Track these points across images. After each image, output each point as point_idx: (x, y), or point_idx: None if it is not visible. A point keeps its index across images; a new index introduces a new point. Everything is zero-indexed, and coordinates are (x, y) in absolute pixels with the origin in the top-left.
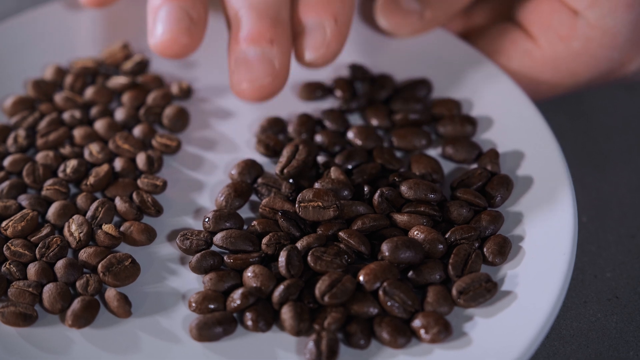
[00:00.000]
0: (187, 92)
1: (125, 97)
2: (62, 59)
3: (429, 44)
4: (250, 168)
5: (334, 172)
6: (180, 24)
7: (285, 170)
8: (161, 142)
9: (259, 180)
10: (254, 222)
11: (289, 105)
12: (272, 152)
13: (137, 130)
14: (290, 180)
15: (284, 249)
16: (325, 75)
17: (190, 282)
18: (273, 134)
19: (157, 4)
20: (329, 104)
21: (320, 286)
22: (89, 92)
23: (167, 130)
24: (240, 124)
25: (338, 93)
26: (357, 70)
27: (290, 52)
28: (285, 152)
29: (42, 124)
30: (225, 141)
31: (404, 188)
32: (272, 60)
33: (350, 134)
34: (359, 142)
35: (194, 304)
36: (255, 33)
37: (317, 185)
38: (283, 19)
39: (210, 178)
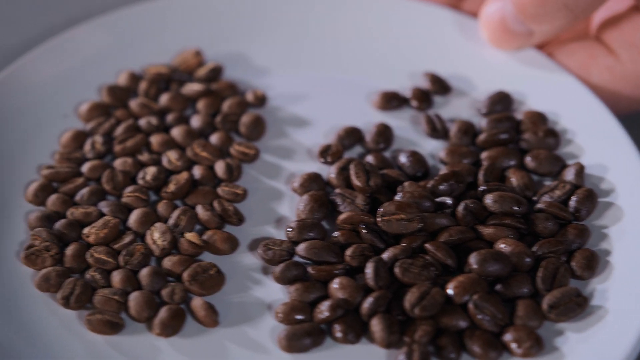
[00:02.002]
0: (262, 100)
1: (201, 104)
2: (135, 65)
3: (506, 56)
4: (311, 182)
5: (409, 185)
6: None
7: (371, 183)
8: (239, 150)
9: (336, 190)
10: (337, 233)
11: (365, 115)
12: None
13: (215, 138)
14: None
15: (371, 260)
16: (401, 84)
17: (275, 293)
18: (349, 144)
19: None
20: (405, 114)
21: (409, 298)
22: (164, 98)
23: (243, 138)
24: (316, 132)
25: (414, 103)
26: (435, 81)
27: None
28: (355, 167)
29: (119, 130)
30: (302, 150)
31: (488, 201)
32: None
33: (442, 154)
34: (452, 160)
35: (280, 315)
36: None
37: (397, 198)
38: None
39: (289, 187)
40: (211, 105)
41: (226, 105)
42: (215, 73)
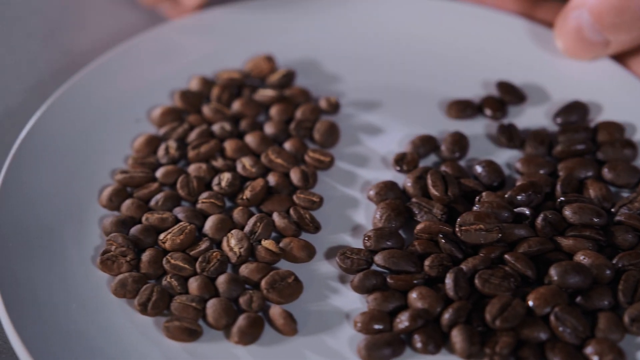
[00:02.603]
0: (335, 107)
1: (274, 111)
2: (206, 70)
3: (581, 65)
4: (388, 190)
5: (487, 196)
6: None
7: (449, 192)
8: (314, 157)
9: (413, 199)
10: (414, 242)
11: (438, 123)
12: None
13: (289, 145)
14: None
15: (450, 270)
16: (474, 92)
17: (353, 302)
18: (424, 152)
19: None
20: (479, 123)
21: (490, 309)
22: (237, 104)
23: (317, 145)
24: (390, 140)
25: (488, 112)
26: (508, 90)
27: None
28: (432, 176)
29: (193, 136)
30: (376, 157)
31: (568, 212)
32: None
33: (518, 165)
34: (529, 170)
35: (359, 324)
36: None
37: (475, 208)
38: None
39: (364, 195)
40: (284, 112)
41: (300, 112)
42: (288, 79)
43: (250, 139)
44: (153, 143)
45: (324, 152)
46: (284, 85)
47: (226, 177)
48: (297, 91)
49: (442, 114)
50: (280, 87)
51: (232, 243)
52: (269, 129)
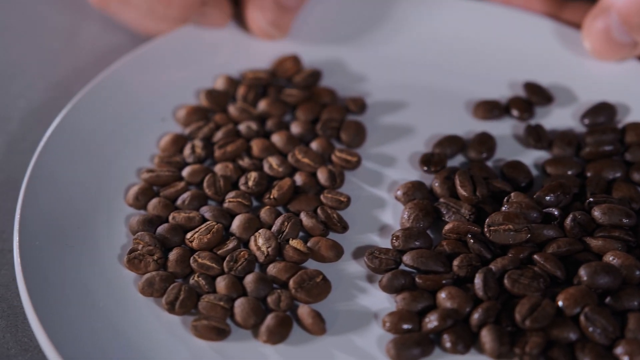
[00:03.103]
0: (362, 107)
1: (300, 110)
2: (231, 70)
3: (608, 66)
4: (415, 190)
5: (516, 196)
6: None
7: (478, 193)
8: (341, 157)
9: (441, 199)
10: (442, 243)
11: (465, 124)
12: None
13: (315, 145)
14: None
15: (480, 270)
16: (500, 93)
17: (381, 301)
18: (451, 153)
19: None
20: (505, 123)
21: (520, 310)
22: (263, 103)
23: (344, 145)
24: (416, 140)
25: (515, 113)
26: (535, 91)
27: None
28: (460, 177)
29: (219, 135)
30: (403, 157)
31: (597, 213)
32: None
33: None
34: (557, 171)
35: (388, 324)
36: None
37: (504, 208)
38: None
39: (391, 195)
40: (311, 112)
41: (326, 112)
42: (314, 79)
43: (276, 139)
44: (179, 142)
45: (351, 152)
46: (310, 85)
47: (253, 176)
48: (323, 91)
49: (468, 114)
50: (306, 87)
51: (260, 242)
52: (295, 128)
